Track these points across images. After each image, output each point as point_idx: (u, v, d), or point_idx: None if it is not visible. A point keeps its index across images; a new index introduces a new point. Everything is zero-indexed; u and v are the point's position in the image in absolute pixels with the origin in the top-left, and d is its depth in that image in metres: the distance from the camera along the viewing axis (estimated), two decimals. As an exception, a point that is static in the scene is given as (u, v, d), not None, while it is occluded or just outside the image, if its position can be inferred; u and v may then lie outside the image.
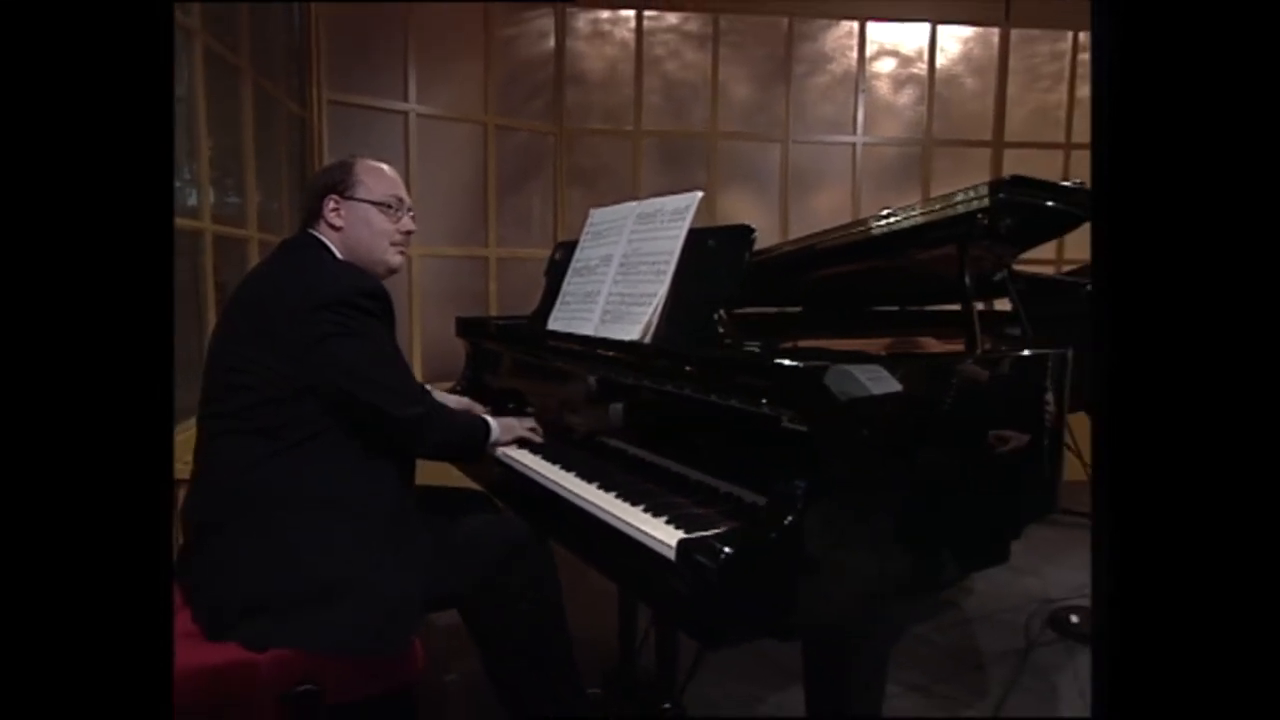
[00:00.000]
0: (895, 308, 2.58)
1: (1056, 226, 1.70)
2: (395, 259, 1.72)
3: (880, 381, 1.30)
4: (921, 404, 1.35)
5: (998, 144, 4.52)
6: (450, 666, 2.31)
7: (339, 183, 1.67)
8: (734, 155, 4.41)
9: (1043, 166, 4.45)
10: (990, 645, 2.67)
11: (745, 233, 1.54)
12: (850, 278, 2.14)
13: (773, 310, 2.46)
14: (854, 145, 4.42)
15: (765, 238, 1.61)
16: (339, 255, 1.65)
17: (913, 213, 1.58)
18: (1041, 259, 4.04)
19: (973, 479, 1.39)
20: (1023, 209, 1.44)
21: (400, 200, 1.72)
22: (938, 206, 1.47)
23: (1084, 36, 4.51)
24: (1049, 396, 1.58)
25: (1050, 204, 1.51)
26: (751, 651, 2.41)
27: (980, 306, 2.34)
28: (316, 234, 1.67)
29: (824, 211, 4.37)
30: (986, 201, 1.39)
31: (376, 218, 1.68)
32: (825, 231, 1.79)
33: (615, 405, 1.72)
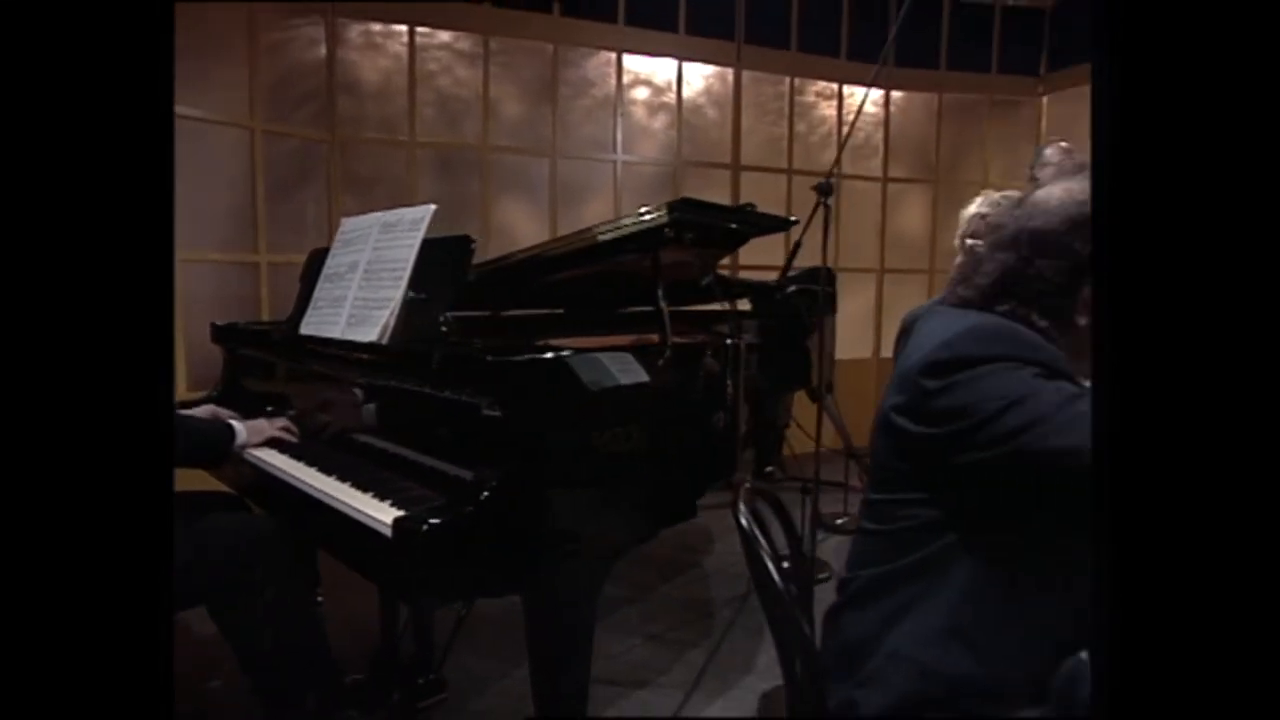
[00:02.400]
0: (648, 308, 2.78)
1: (734, 239, 1.94)
2: None
3: (593, 368, 1.45)
4: (618, 388, 1.50)
5: (735, 167, 4.94)
6: (211, 674, 2.19)
7: None
8: (507, 168, 4.47)
9: (770, 187, 4.94)
10: (719, 594, 2.96)
11: (465, 242, 1.63)
12: (592, 281, 2.29)
13: (543, 312, 2.56)
14: (615, 163, 4.65)
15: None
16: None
17: (619, 225, 1.75)
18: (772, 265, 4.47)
19: (659, 450, 1.57)
20: (695, 225, 1.65)
21: None
22: (629, 222, 1.64)
23: (800, 81, 5.06)
24: (728, 380, 1.81)
25: (715, 221, 1.73)
26: (506, 627, 2.51)
27: (725, 306, 2.60)
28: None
29: (591, 221, 4.55)
30: (665, 218, 1.58)
31: None
32: (548, 241, 1.92)
33: (360, 402, 1.74)
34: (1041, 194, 0.96)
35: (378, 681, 2.08)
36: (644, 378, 1.66)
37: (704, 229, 1.70)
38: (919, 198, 5.46)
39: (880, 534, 0.99)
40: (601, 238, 1.76)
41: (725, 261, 4.60)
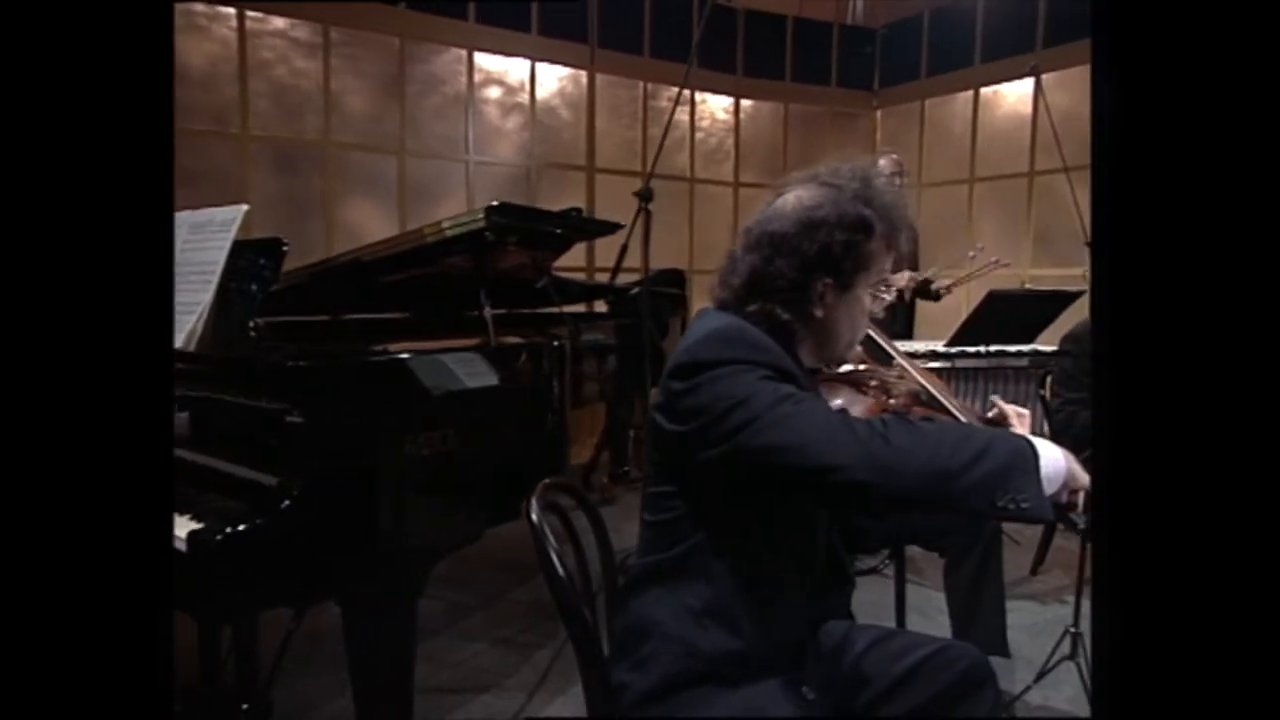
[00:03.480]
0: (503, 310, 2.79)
1: (561, 243, 2.00)
2: None
3: (436, 371, 1.45)
4: (431, 392, 1.52)
5: (590, 169, 5.03)
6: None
7: None
8: (352, 165, 4.33)
9: (625, 190, 5.03)
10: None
11: (276, 245, 1.59)
12: (434, 283, 2.28)
13: (386, 316, 2.51)
14: (467, 163, 4.61)
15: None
16: None
17: (441, 228, 1.76)
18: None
19: (480, 452, 1.60)
20: (516, 229, 1.69)
21: None
22: (448, 226, 1.66)
23: (653, 86, 5.22)
24: (554, 382, 1.87)
25: (536, 225, 1.78)
26: (339, 641, 2.44)
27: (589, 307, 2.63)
28: None
29: (443, 222, 4.50)
30: (482, 222, 1.61)
31: None
32: (374, 244, 1.90)
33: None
34: (780, 201, 1.08)
35: (200, 710, 1.98)
36: (492, 380, 1.69)
37: (527, 233, 1.75)
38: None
39: (652, 524, 1.08)
40: (427, 240, 1.77)
41: (585, 263, 4.68)
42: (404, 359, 1.53)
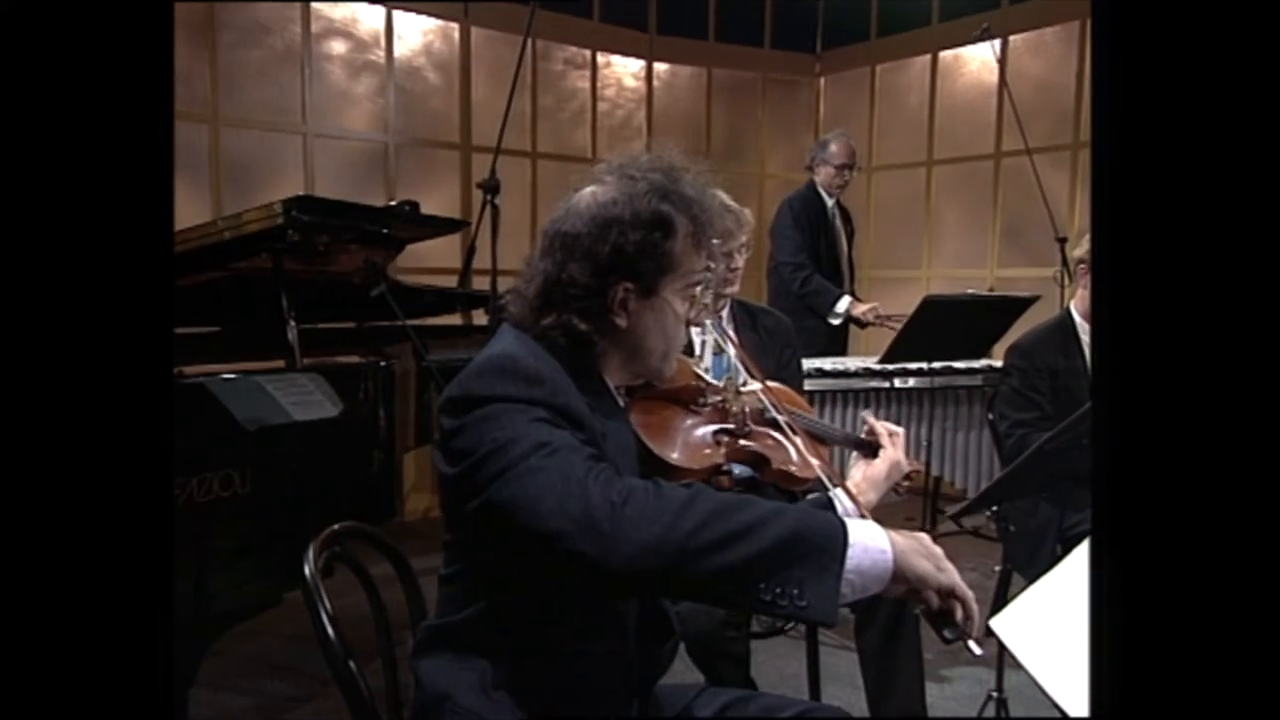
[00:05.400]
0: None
1: (392, 242, 2.07)
2: None
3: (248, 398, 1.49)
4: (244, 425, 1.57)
5: (466, 147, 5.09)
6: None
7: None
8: (151, 137, 4.28)
9: (514, 174, 5.12)
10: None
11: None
12: (232, 289, 2.30)
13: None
14: (303, 135, 4.60)
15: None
16: None
17: (239, 222, 1.81)
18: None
19: (280, 498, 1.65)
20: (322, 227, 1.76)
21: None
22: (237, 223, 1.72)
23: (544, 44, 5.33)
24: (380, 412, 1.93)
25: (353, 223, 1.85)
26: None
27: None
28: None
29: (272, 211, 4.48)
30: (280, 219, 1.67)
31: None
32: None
33: None
34: (575, 197, 1.18)
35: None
36: (330, 411, 1.73)
37: (341, 232, 1.81)
38: (690, 189, 5.94)
39: (444, 579, 1.17)
40: (225, 237, 1.82)
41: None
42: (201, 383, 1.58)
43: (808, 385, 3.12)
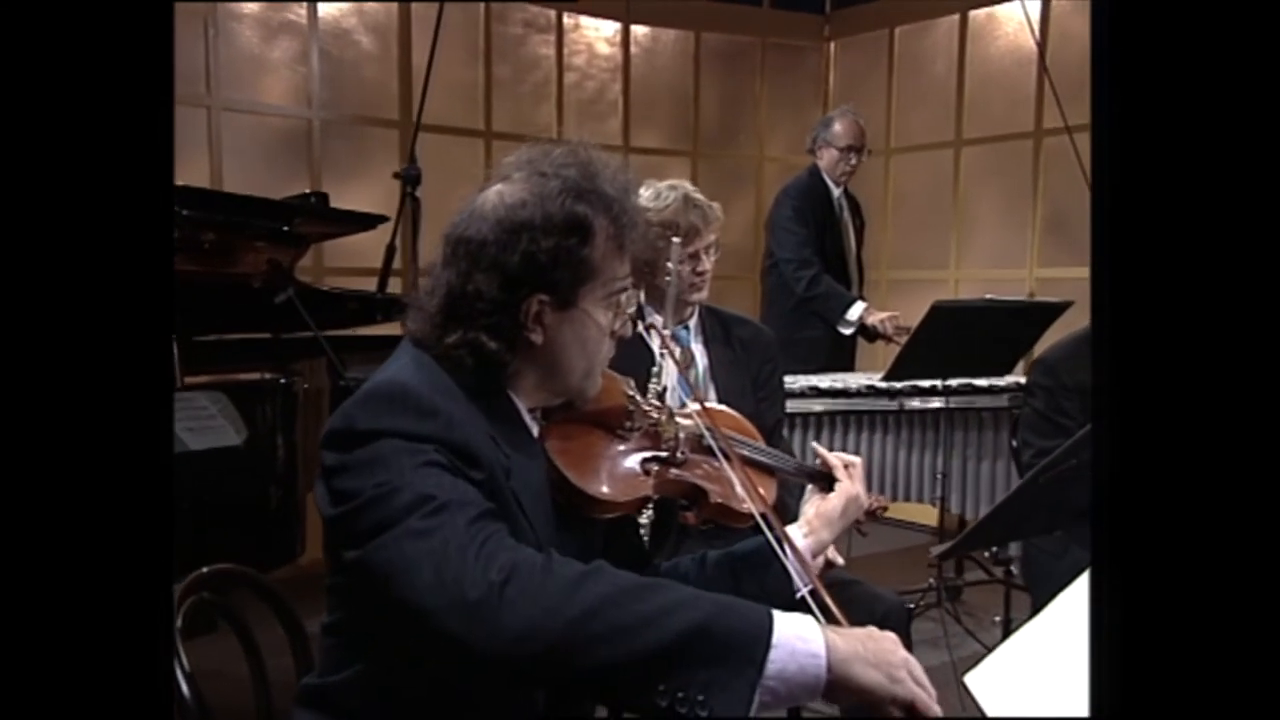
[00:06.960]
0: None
1: (293, 241, 2.13)
2: None
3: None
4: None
5: (406, 124, 5.12)
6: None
7: None
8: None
9: (462, 156, 5.16)
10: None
11: None
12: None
13: None
14: (207, 109, 4.64)
15: None
16: None
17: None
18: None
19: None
20: (207, 223, 1.82)
21: None
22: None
23: (499, 5, 5.38)
24: (279, 438, 1.99)
25: (243, 219, 1.92)
26: None
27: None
28: None
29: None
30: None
31: None
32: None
33: None
34: (480, 198, 1.23)
35: None
36: (232, 438, 1.76)
37: (230, 230, 1.87)
38: (675, 175, 5.97)
39: (325, 629, 1.21)
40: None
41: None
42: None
43: (799, 406, 3.17)
